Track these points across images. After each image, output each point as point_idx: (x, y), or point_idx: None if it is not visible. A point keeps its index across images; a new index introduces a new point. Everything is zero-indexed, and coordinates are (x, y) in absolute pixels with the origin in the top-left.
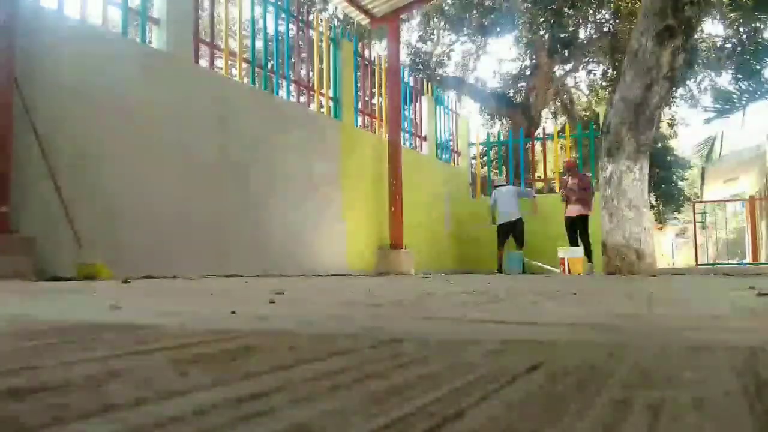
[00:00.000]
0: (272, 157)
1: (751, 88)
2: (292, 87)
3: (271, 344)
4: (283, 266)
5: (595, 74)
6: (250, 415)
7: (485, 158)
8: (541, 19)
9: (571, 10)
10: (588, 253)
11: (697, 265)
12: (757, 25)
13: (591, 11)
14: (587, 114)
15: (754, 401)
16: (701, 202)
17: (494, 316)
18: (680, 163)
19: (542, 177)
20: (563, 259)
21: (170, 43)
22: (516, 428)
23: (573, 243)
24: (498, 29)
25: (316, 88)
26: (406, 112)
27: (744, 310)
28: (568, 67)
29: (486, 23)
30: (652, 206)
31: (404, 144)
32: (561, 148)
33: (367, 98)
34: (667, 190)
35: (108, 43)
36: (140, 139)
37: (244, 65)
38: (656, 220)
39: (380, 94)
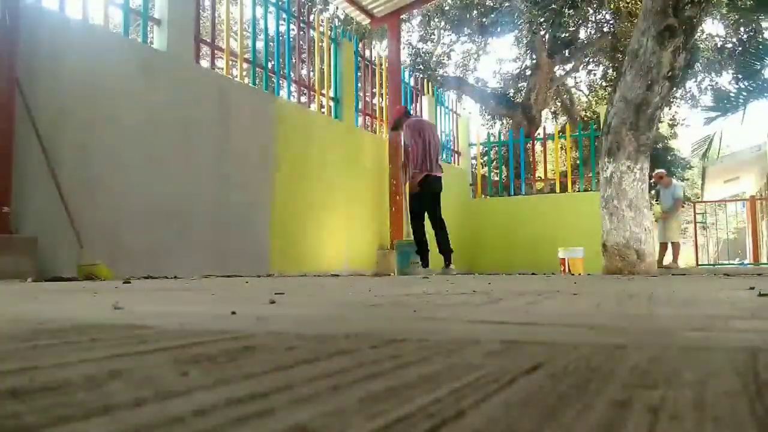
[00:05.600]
0: (273, 156)
1: (750, 88)
2: (293, 87)
3: (271, 344)
4: (283, 266)
5: (595, 74)
6: (250, 415)
7: (485, 158)
8: (542, 19)
9: (571, 11)
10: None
11: (697, 265)
12: (759, 25)
13: (591, 11)
14: (587, 114)
15: (754, 401)
16: (702, 202)
17: (494, 316)
18: (680, 164)
19: (542, 177)
20: (563, 259)
21: (171, 44)
22: (516, 429)
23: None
24: (498, 29)
25: (316, 88)
26: None
27: (744, 311)
28: (568, 67)
29: (486, 23)
30: (652, 206)
31: None
32: (561, 148)
33: (367, 98)
34: None
35: (109, 44)
36: (141, 138)
37: (245, 65)
38: (657, 221)
39: (381, 94)
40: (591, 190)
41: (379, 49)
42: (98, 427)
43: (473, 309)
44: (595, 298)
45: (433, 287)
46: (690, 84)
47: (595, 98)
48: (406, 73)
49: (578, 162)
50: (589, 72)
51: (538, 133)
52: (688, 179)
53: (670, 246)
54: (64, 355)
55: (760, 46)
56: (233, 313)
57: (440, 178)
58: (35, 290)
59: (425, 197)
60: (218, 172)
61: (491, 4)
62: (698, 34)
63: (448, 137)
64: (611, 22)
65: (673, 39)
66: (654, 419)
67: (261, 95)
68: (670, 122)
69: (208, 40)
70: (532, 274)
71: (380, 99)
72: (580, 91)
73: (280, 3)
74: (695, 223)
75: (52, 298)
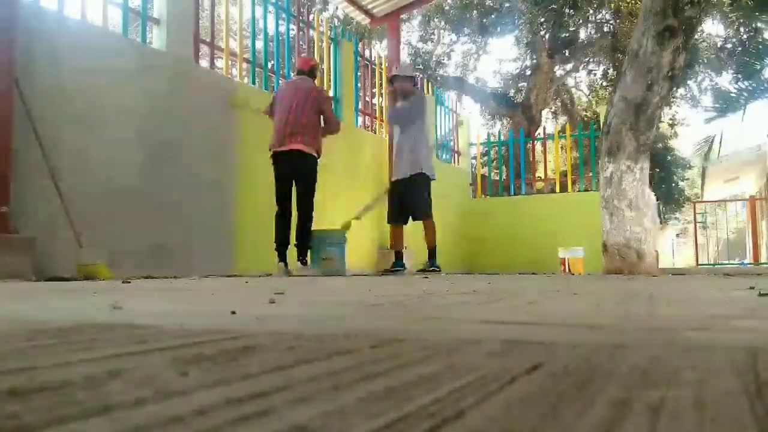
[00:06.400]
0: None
1: (751, 88)
2: None
3: (271, 344)
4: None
5: (595, 74)
6: (250, 415)
7: (486, 158)
8: (542, 19)
9: (571, 11)
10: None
11: (697, 265)
12: (758, 25)
13: (591, 11)
14: (587, 114)
15: (754, 401)
16: (701, 202)
17: (494, 316)
18: (680, 163)
19: (542, 177)
20: (563, 259)
21: (170, 43)
22: (516, 428)
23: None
24: (498, 29)
25: None
26: None
27: (744, 310)
28: (568, 67)
29: (486, 23)
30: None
31: None
32: (561, 148)
33: (367, 98)
34: (667, 190)
35: (108, 43)
36: (141, 138)
37: (245, 65)
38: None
39: (381, 94)
40: (591, 190)
41: (379, 49)
42: (98, 427)
43: (473, 309)
44: (595, 298)
45: (433, 287)
46: (690, 84)
47: (595, 98)
48: None
49: (578, 162)
50: (589, 72)
51: (538, 133)
52: (688, 179)
53: None
54: (64, 355)
55: (760, 46)
56: (233, 312)
57: (292, 152)
58: (35, 290)
59: (277, 178)
60: (219, 171)
61: (491, 4)
62: (698, 34)
63: (448, 137)
64: (611, 22)
65: (673, 39)
66: (654, 419)
67: (261, 95)
68: (670, 122)
69: (208, 40)
70: (533, 274)
71: (380, 99)
72: (580, 91)
73: (279, 3)
74: (695, 223)
75: (52, 298)
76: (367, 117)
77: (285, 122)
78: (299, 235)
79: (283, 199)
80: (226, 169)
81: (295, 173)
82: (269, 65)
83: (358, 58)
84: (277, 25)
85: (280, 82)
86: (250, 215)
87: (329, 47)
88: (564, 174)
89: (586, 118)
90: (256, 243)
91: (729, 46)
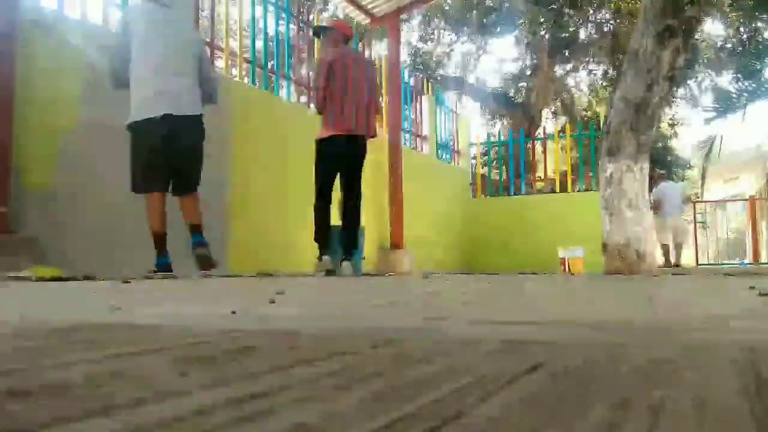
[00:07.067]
0: (271, 157)
1: (751, 88)
2: (293, 87)
3: (271, 344)
4: (283, 266)
5: (595, 74)
6: (250, 415)
7: (486, 158)
8: (542, 19)
9: (571, 11)
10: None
11: (697, 265)
12: (758, 24)
13: (591, 11)
14: (587, 114)
15: (754, 401)
16: (701, 202)
17: (494, 316)
18: (680, 163)
19: (542, 177)
20: (563, 259)
21: None
22: (516, 428)
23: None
24: (498, 29)
25: None
26: (407, 112)
27: (744, 310)
28: (568, 67)
29: (486, 23)
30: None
31: (404, 144)
32: (561, 148)
33: None
34: None
35: (108, 43)
36: None
37: (245, 65)
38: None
39: (380, 94)
40: (591, 190)
41: (379, 49)
42: (98, 427)
43: (473, 309)
44: (596, 298)
45: (433, 287)
46: (690, 84)
47: (595, 98)
48: (406, 73)
49: (578, 162)
50: (590, 72)
51: (538, 133)
52: (688, 179)
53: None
54: (64, 355)
55: (760, 46)
56: (233, 312)
57: (361, 137)
58: (35, 290)
59: (327, 162)
60: (215, 171)
61: (491, 4)
62: (698, 34)
63: (449, 137)
64: (611, 22)
65: (672, 39)
66: (654, 419)
67: (260, 95)
68: (670, 122)
69: (208, 40)
70: (533, 274)
71: (380, 99)
72: (581, 91)
73: (279, 3)
74: (695, 223)
75: (52, 298)
76: None
77: (359, 103)
78: (353, 230)
79: (330, 189)
80: (221, 168)
81: (360, 160)
82: (269, 65)
83: None
84: (277, 25)
85: (280, 82)
86: (250, 215)
87: None
88: (564, 174)
89: (586, 118)
90: (254, 243)
91: (729, 46)
